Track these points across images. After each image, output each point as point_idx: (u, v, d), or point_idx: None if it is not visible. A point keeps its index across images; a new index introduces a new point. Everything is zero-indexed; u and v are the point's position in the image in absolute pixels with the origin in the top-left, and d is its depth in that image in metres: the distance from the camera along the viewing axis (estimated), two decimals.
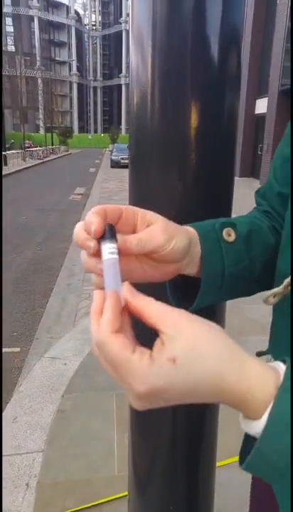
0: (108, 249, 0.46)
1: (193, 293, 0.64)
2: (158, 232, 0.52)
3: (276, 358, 0.65)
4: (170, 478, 1.22)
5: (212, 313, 1.07)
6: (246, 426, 0.40)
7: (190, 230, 0.61)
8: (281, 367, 0.41)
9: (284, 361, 0.42)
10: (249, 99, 18.61)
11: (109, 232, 0.47)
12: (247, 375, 0.39)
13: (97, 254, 0.47)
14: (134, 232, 0.52)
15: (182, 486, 1.24)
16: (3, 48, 51.29)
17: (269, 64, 15.99)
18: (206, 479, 1.28)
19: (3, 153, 26.52)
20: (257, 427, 0.38)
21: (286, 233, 0.63)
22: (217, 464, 1.32)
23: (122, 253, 0.48)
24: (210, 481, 1.30)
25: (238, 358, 0.40)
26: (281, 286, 0.60)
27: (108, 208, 0.50)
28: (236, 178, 0.90)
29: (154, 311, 0.41)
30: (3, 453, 2.37)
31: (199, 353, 0.39)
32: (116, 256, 0.45)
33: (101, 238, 0.47)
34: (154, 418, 1.19)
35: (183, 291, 0.67)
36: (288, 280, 0.60)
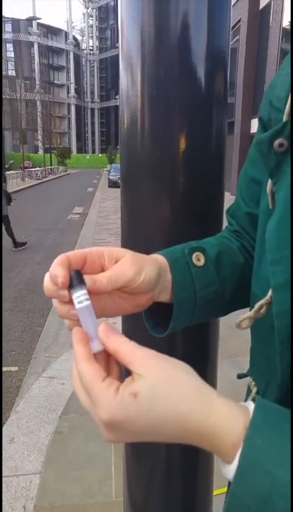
0: (78, 297, 0.46)
1: (167, 318, 0.64)
2: (126, 266, 0.53)
3: (255, 381, 0.66)
4: (166, 506, 1.20)
5: (206, 333, 1.08)
6: (224, 471, 0.40)
7: (159, 259, 0.62)
8: (251, 406, 0.40)
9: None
10: (245, 119, 18.90)
11: (76, 279, 0.47)
12: (214, 416, 0.39)
13: (70, 301, 0.47)
14: (103, 271, 0.52)
15: (179, 508, 1.21)
16: (4, 73, 52.18)
17: (263, 84, 16.30)
18: (203, 507, 1.26)
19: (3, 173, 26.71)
20: (229, 472, 0.38)
21: (258, 254, 0.62)
22: (215, 491, 1.30)
23: (94, 293, 0.49)
24: (208, 509, 1.28)
25: (205, 399, 0.40)
26: (252, 311, 0.60)
27: (71, 255, 0.51)
28: (231, 196, 0.89)
29: (126, 352, 0.42)
30: None
31: (163, 392, 0.40)
32: (88, 302, 0.46)
33: (69, 287, 0.47)
34: (149, 443, 1.17)
35: (156, 317, 0.67)
36: (259, 304, 0.59)
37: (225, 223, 1.05)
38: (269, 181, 0.56)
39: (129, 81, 0.96)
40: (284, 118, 0.53)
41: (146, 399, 0.39)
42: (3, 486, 2.24)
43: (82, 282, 0.47)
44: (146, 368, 0.41)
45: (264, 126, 0.59)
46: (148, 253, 0.86)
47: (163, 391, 0.40)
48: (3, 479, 2.29)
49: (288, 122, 0.51)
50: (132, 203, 1.05)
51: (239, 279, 0.70)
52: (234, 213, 0.79)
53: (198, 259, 0.66)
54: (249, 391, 0.68)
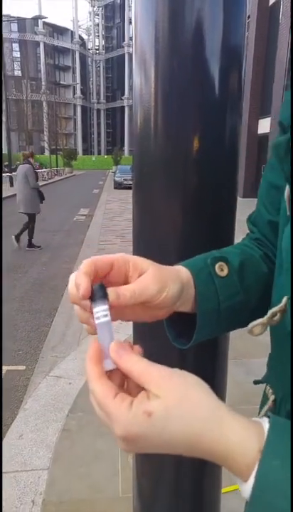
0: (97, 312, 0.47)
1: (189, 328, 0.64)
2: (150, 282, 0.53)
3: (272, 388, 0.66)
4: (175, 502, 1.22)
5: (215, 337, 1.06)
6: (241, 487, 0.40)
7: (182, 272, 0.61)
8: (266, 424, 0.40)
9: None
10: (252, 119, 18.72)
11: (98, 292, 0.47)
12: (226, 437, 0.39)
13: (91, 310, 0.48)
14: (126, 279, 0.53)
15: (187, 510, 1.23)
16: (10, 73, 52.43)
17: (271, 83, 16.21)
18: (211, 504, 1.27)
19: (9, 174, 26.84)
20: (245, 490, 0.38)
21: (279, 263, 0.61)
22: (223, 489, 1.33)
23: (115, 307, 0.49)
24: (216, 506, 1.29)
25: (217, 421, 0.40)
26: (265, 318, 0.60)
27: (98, 261, 0.51)
28: (239, 199, 0.93)
29: (139, 372, 0.43)
30: (9, 469, 2.39)
31: (177, 413, 0.40)
32: (107, 319, 0.47)
33: (91, 299, 0.47)
34: None
35: (179, 328, 0.66)
36: (272, 311, 0.60)
37: (238, 223, 1.07)
38: (287, 187, 0.56)
39: (143, 77, 0.95)
40: None
41: (160, 419, 0.40)
42: (13, 480, 2.31)
43: (104, 297, 0.47)
44: (160, 388, 0.41)
45: (284, 130, 0.59)
46: (160, 254, 0.89)
47: (177, 412, 0.40)
48: (13, 474, 2.36)
49: None
50: (144, 204, 1.04)
51: (263, 288, 0.68)
52: (255, 221, 0.77)
53: (221, 269, 0.65)
54: (265, 398, 0.69)
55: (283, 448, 0.37)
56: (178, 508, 1.22)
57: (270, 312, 0.60)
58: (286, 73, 14.66)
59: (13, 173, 28.18)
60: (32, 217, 8.60)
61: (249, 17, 18.64)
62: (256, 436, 0.38)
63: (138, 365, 0.43)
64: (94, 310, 0.47)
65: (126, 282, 0.53)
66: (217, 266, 0.65)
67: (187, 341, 0.64)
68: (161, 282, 0.54)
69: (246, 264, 0.68)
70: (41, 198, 8.64)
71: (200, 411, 0.41)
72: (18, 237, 8.66)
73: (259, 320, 0.60)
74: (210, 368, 1.13)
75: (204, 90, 0.91)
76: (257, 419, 0.41)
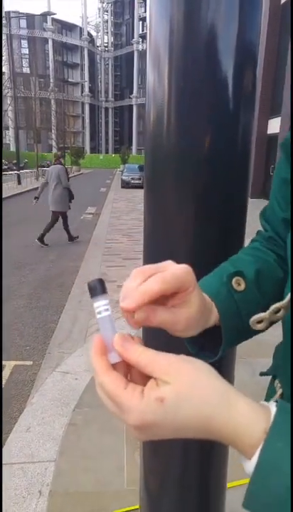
0: (98, 307, 0.47)
1: (211, 343, 0.65)
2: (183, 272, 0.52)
3: (281, 383, 0.67)
4: (181, 495, 1.24)
5: None
6: (244, 464, 0.41)
7: (207, 301, 0.61)
8: (273, 408, 0.41)
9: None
10: (262, 118, 18.49)
11: (98, 287, 0.47)
12: (234, 419, 0.41)
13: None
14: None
15: (193, 503, 1.26)
16: (18, 70, 52.57)
17: (282, 83, 16.07)
18: (217, 498, 1.30)
19: (17, 172, 26.95)
20: (248, 467, 0.40)
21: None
22: (229, 484, 1.36)
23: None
24: (221, 500, 1.31)
25: (226, 403, 0.42)
26: (267, 312, 0.62)
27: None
28: (250, 199, 0.95)
29: (146, 362, 0.43)
30: (17, 460, 2.46)
31: (187, 397, 0.41)
32: (107, 313, 0.47)
33: (91, 294, 0.47)
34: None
35: (200, 341, 0.66)
36: (275, 306, 0.61)
37: (247, 224, 1.06)
38: None
39: (156, 74, 0.94)
40: None
41: (171, 404, 0.41)
42: (20, 472, 2.37)
43: (103, 291, 0.47)
44: (169, 374, 0.42)
45: None
46: (170, 253, 0.89)
47: (188, 397, 0.41)
48: (20, 465, 2.43)
49: None
50: (155, 204, 1.05)
51: (280, 292, 0.67)
52: (269, 218, 0.76)
53: (239, 284, 0.65)
54: (273, 391, 0.70)
55: (287, 431, 0.38)
56: (185, 502, 1.25)
57: (272, 307, 0.61)
58: None
59: (21, 171, 28.34)
60: (63, 215, 8.91)
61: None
62: (263, 419, 0.40)
63: (144, 356, 0.43)
64: (95, 305, 0.47)
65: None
66: (233, 281, 0.65)
67: (210, 353, 0.65)
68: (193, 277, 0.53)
69: (262, 272, 0.68)
70: (71, 197, 9.01)
71: (210, 395, 0.42)
72: (42, 238, 8.90)
73: (261, 314, 0.62)
74: (216, 367, 1.15)
75: (218, 88, 0.90)
76: (265, 403, 0.43)
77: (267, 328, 0.63)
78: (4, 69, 29.53)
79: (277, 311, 0.61)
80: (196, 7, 0.85)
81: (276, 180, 0.72)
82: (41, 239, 8.82)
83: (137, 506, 1.60)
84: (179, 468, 1.22)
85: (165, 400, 0.41)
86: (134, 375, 0.45)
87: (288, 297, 0.58)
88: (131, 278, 0.49)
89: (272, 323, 0.64)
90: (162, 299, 0.51)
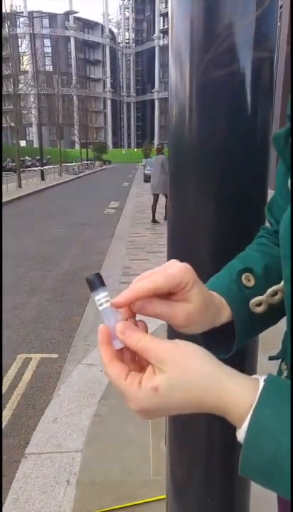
0: (99, 300, 0.51)
1: (224, 338, 0.67)
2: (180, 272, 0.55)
3: (286, 364, 0.68)
4: (206, 484, 1.26)
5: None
6: (237, 433, 0.45)
7: (216, 299, 0.64)
8: (262, 383, 0.44)
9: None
10: (284, 113, 18.37)
11: (96, 281, 0.51)
12: (224, 398, 0.45)
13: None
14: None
15: (218, 491, 1.26)
16: (41, 68, 53.00)
17: None
18: (242, 485, 1.30)
19: (41, 168, 27.25)
20: (240, 435, 0.44)
21: None
22: None
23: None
24: (246, 487, 1.32)
25: (216, 385, 0.46)
26: (264, 295, 0.65)
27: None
28: (272, 191, 0.93)
29: (144, 349, 0.48)
30: (45, 450, 2.49)
31: (179, 384, 0.46)
32: (108, 303, 0.51)
33: (91, 288, 0.51)
34: (191, 427, 1.22)
35: (215, 341, 0.68)
36: (272, 289, 0.64)
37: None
38: (289, 180, 0.59)
39: (178, 71, 0.97)
40: None
41: (165, 391, 0.46)
42: (48, 461, 2.40)
43: (102, 284, 0.51)
44: (163, 362, 0.47)
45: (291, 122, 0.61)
46: (193, 246, 0.90)
47: (180, 382, 0.46)
48: (48, 455, 2.46)
49: None
50: (180, 195, 1.07)
51: None
52: (274, 212, 0.78)
53: (248, 280, 0.68)
54: (280, 373, 0.71)
55: (274, 400, 0.43)
56: (210, 491, 1.25)
57: (270, 290, 0.64)
58: None
59: (45, 167, 28.62)
60: (166, 196, 9.49)
61: (281, 7, 18.19)
62: (251, 393, 0.44)
63: (142, 343, 0.48)
64: (96, 298, 0.51)
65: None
66: (243, 278, 0.68)
67: (224, 350, 0.67)
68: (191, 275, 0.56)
69: (270, 267, 0.70)
70: None
71: (201, 381, 0.46)
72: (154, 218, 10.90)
73: (259, 297, 0.65)
74: (238, 359, 1.15)
75: (237, 82, 0.92)
76: (257, 376, 0.46)
77: (266, 311, 0.66)
78: (28, 67, 29.87)
79: (274, 293, 0.64)
80: (215, 7, 0.88)
81: (280, 173, 0.73)
82: (153, 219, 10.78)
83: (164, 496, 1.60)
84: (204, 458, 1.22)
85: (159, 389, 0.46)
86: (140, 356, 0.50)
87: (283, 281, 0.60)
88: (133, 282, 0.54)
89: (270, 306, 0.66)
90: (164, 296, 0.55)
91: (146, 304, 0.53)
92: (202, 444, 1.22)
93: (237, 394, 0.45)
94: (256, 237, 0.82)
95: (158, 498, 2.13)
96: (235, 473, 1.24)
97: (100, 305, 0.51)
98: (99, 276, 0.51)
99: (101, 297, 0.51)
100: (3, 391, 3.32)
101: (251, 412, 0.42)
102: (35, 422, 2.84)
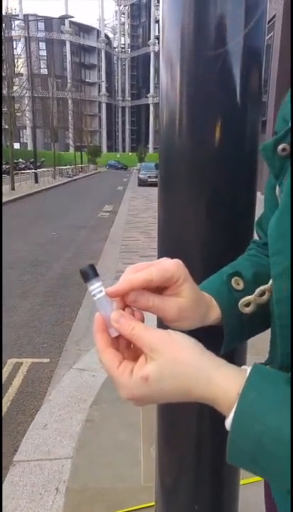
0: (95, 289, 0.52)
1: (214, 341, 0.66)
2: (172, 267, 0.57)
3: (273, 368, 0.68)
4: (195, 492, 1.24)
5: None
6: (225, 423, 0.46)
7: (206, 297, 0.66)
8: (248, 372, 0.46)
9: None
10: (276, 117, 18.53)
11: (90, 272, 0.52)
12: (213, 390, 0.47)
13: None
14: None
15: (207, 498, 1.26)
16: (36, 71, 52.95)
17: None
18: (230, 494, 1.30)
19: (34, 171, 27.20)
20: (227, 424, 0.45)
21: None
22: (243, 481, 1.34)
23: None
24: (235, 497, 1.32)
25: (205, 377, 0.47)
26: (252, 295, 0.66)
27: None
28: (262, 196, 0.93)
29: (136, 337, 0.50)
30: (34, 457, 2.45)
31: (169, 374, 0.48)
32: (102, 293, 0.52)
33: (85, 280, 0.52)
34: (181, 432, 1.22)
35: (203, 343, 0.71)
36: (260, 289, 0.65)
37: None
38: (277, 186, 0.61)
39: (169, 78, 0.99)
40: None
41: (155, 381, 0.47)
42: (37, 468, 2.36)
43: (95, 275, 0.52)
44: (154, 351, 0.48)
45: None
46: (184, 250, 0.90)
47: (170, 373, 0.48)
48: (37, 462, 2.42)
49: (290, 129, 0.57)
50: (169, 201, 1.08)
51: None
52: (264, 227, 0.79)
53: (238, 284, 0.70)
54: None
55: (260, 384, 0.44)
56: (199, 498, 1.25)
57: (258, 290, 0.66)
58: None
59: (39, 169, 28.58)
60: None
61: (274, 16, 18.35)
62: (239, 382, 0.45)
63: (135, 331, 0.50)
64: (91, 288, 0.52)
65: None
66: (233, 281, 0.70)
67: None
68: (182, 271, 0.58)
69: (259, 274, 0.72)
70: None
71: (190, 372, 0.48)
72: None
73: (248, 297, 0.67)
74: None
75: (227, 91, 0.94)
76: (246, 367, 0.48)
77: (254, 312, 0.67)
78: (22, 70, 29.88)
79: (262, 293, 0.66)
80: (205, 15, 0.91)
81: (268, 189, 0.74)
82: None
83: (153, 503, 1.57)
84: (193, 464, 1.22)
85: (149, 378, 0.47)
86: (134, 345, 0.52)
87: (271, 281, 0.61)
88: (125, 272, 0.56)
89: (259, 306, 0.67)
90: (157, 291, 0.57)
91: (139, 297, 0.54)
92: (191, 451, 1.21)
93: (225, 384, 0.46)
94: (247, 249, 0.84)
95: (147, 505, 2.10)
96: (224, 480, 1.24)
97: (95, 295, 0.52)
98: (92, 267, 0.52)
99: (96, 287, 0.52)
100: None
101: (237, 400, 0.44)
102: (25, 428, 2.79)
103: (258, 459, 0.43)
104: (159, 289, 0.57)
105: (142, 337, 0.49)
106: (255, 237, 0.90)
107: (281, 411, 0.42)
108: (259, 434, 0.42)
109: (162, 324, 0.58)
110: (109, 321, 0.52)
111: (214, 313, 0.66)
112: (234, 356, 1.15)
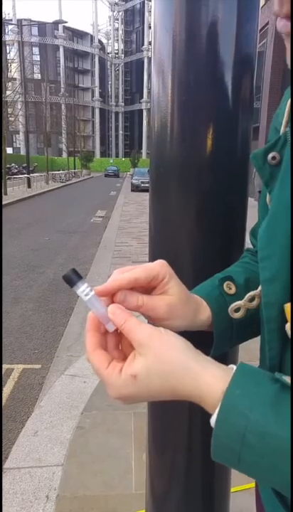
0: (84, 291, 0.53)
1: (204, 345, 0.67)
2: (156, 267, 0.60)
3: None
4: (185, 499, 1.24)
5: None
6: (211, 421, 0.47)
7: (196, 297, 0.67)
8: (233, 371, 0.48)
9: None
10: (270, 124, 18.66)
11: (74, 276, 0.52)
12: (199, 388, 0.48)
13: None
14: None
15: (197, 507, 1.25)
16: (30, 76, 52.89)
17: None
18: (221, 501, 1.30)
19: (27, 175, 27.12)
20: (212, 420, 0.46)
21: None
22: (233, 489, 1.35)
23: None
24: (225, 504, 1.32)
25: (192, 376, 0.48)
26: (242, 300, 0.68)
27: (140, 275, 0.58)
28: (255, 203, 0.94)
29: (128, 330, 0.51)
30: (24, 464, 2.43)
31: (156, 372, 0.49)
32: (92, 293, 0.53)
33: (70, 284, 0.53)
34: (171, 439, 1.22)
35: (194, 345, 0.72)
36: (250, 294, 0.67)
37: (248, 228, 1.06)
38: (267, 194, 0.62)
39: (160, 85, 1.00)
40: (281, 131, 0.61)
41: (143, 380, 0.49)
42: (27, 476, 2.34)
43: (80, 278, 0.53)
44: (143, 347, 0.50)
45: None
46: (175, 256, 0.91)
47: (157, 371, 0.49)
48: (28, 469, 2.40)
49: (279, 138, 0.58)
50: (160, 204, 1.08)
51: None
52: (256, 234, 0.78)
53: (229, 288, 0.71)
54: None
55: (244, 381, 0.46)
56: (190, 506, 1.24)
57: (248, 295, 0.67)
58: None
59: (31, 174, 28.51)
60: None
61: (267, 23, 18.52)
62: (225, 381, 0.46)
63: (127, 324, 0.51)
64: (79, 291, 0.53)
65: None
66: (225, 285, 0.71)
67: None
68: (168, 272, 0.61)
69: (251, 280, 0.73)
70: None
71: (176, 370, 0.49)
72: None
73: (238, 302, 0.68)
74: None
75: (218, 98, 0.95)
76: (233, 365, 0.50)
77: (244, 317, 0.68)
78: (16, 75, 29.87)
79: (252, 299, 0.67)
80: (197, 23, 0.91)
81: (263, 197, 0.74)
82: None
83: (143, 511, 1.57)
84: (183, 471, 1.22)
85: (137, 376, 0.49)
86: (124, 343, 0.55)
87: (260, 287, 0.63)
88: (113, 274, 0.58)
89: (249, 312, 0.69)
90: (146, 293, 0.59)
91: (128, 296, 0.56)
92: (182, 458, 1.21)
93: (211, 382, 0.47)
94: (240, 257, 0.86)
95: None
96: (215, 487, 1.24)
97: (86, 295, 0.53)
98: (74, 271, 0.53)
99: (84, 288, 0.52)
100: None
101: (222, 398, 0.45)
102: (15, 436, 2.77)
103: (242, 454, 0.43)
104: (147, 290, 0.60)
105: (134, 330, 0.50)
106: (248, 245, 0.90)
107: (265, 407, 0.43)
108: (243, 429, 0.42)
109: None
110: (103, 318, 0.53)
111: (204, 314, 0.67)
112: (227, 362, 1.15)
